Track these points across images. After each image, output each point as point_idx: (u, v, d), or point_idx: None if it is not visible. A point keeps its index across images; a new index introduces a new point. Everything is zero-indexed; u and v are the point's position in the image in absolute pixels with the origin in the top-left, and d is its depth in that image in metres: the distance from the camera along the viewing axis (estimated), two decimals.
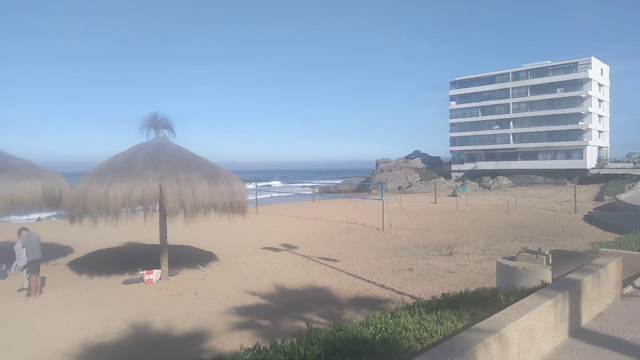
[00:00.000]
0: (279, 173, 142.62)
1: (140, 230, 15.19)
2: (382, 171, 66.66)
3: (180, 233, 14.99)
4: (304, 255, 14.57)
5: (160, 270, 11.80)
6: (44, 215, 22.88)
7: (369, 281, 11.05)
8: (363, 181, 65.87)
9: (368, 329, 4.06)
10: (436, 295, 5.44)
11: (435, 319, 4.09)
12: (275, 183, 73.73)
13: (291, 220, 24.68)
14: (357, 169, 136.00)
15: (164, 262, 11.94)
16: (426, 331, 3.75)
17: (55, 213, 17.40)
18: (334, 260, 13.76)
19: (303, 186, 71.57)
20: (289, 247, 16.24)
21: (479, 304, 4.56)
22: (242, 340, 7.31)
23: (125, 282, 11.52)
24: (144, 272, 11.64)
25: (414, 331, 3.76)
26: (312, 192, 45.29)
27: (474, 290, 5.60)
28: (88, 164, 13.85)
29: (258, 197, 30.34)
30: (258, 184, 34.13)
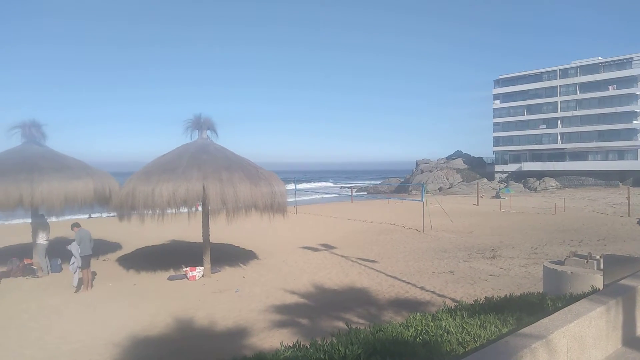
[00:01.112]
0: (318, 174, 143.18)
1: (184, 228, 15.69)
2: (422, 172, 65.60)
3: (222, 232, 15.36)
4: (342, 256, 14.57)
5: (203, 268, 12.13)
6: (94, 213, 24.01)
7: (408, 283, 10.92)
8: (402, 182, 65.09)
9: (408, 330, 4.02)
10: (479, 299, 5.32)
11: (479, 322, 3.99)
12: (315, 184, 74.00)
13: (329, 220, 24.73)
14: (396, 169, 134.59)
15: (207, 259, 12.26)
16: (469, 335, 3.68)
17: (104, 211, 18.24)
18: (373, 261, 13.68)
19: (341, 187, 71.55)
20: (328, 247, 16.29)
21: (525, 309, 4.42)
22: (282, 338, 7.38)
23: (170, 278, 11.90)
24: (188, 268, 11.99)
25: (456, 334, 3.69)
26: (350, 193, 45.20)
27: (519, 294, 5.43)
28: (136, 164, 14.44)
29: (297, 197, 30.61)
30: (297, 185, 34.42)
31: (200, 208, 12.66)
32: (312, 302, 9.60)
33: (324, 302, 9.56)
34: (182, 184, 11.14)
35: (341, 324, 7.83)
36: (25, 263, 12.58)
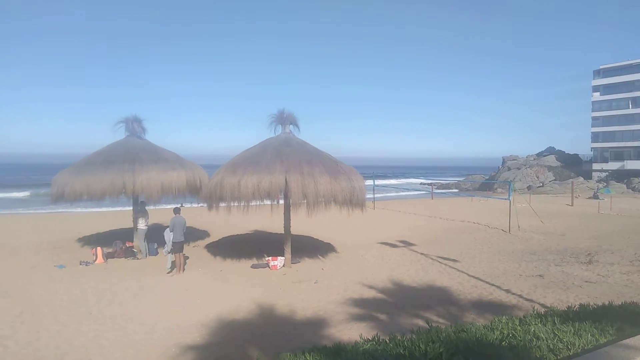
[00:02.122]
0: (397, 169, 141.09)
1: (266, 219, 16.31)
2: (509, 169, 61.98)
3: (302, 224, 15.74)
4: (421, 253, 14.28)
5: (284, 258, 12.55)
6: (186, 202, 25.81)
7: (492, 285, 10.44)
8: (487, 179, 62.03)
9: (493, 333, 3.87)
10: (572, 306, 4.96)
11: (572, 330, 3.74)
12: (393, 181, 73.01)
13: (409, 217, 24.31)
14: (480, 166, 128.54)
15: (287, 250, 12.66)
16: (561, 342, 3.46)
17: (195, 200, 19.53)
18: (454, 260, 13.25)
19: (421, 183, 69.88)
20: (407, 243, 16.05)
21: (627, 320, 4.05)
22: (360, 331, 7.44)
23: (253, 266, 12.47)
24: (270, 258, 12.47)
25: (547, 341, 3.49)
26: (431, 189, 44.02)
27: (619, 304, 4.98)
28: (222, 157, 15.26)
29: (376, 192, 30.44)
30: (376, 180, 34.23)
31: (282, 200, 13.08)
32: (390, 297, 9.54)
33: (403, 298, 9.46)
34: (265, 177, 11.58)
35: (420, 322, 7.71)
36: (127, 246, 13.88)
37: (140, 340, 7.28)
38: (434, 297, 9.50)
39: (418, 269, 12.23)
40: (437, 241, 16.75)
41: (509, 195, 21.50)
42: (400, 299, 9.39)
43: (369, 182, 29.91)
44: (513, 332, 3.83)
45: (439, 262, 13.04)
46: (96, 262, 12.84)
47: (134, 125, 14.89)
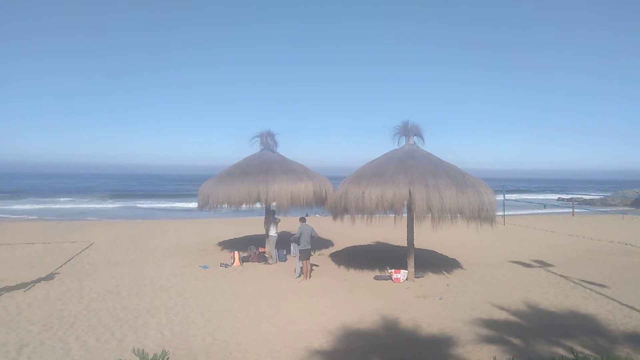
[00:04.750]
0: (530, 182, 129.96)
1: (388, 231, 16.30)
2: None
3: (426, 237, 15.40)
4: (561, 275, 12.95)
5: (407, 271, 12.39)
6: (312, 212, 27.01)
7: None
8: None
9: None
10: None
11: None
12: (525, 196, 67.33)
13: (544, 234, 22.21)
14: (632, 180, 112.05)
15: (411, 263, 12.48)
16: None
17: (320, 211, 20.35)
18: (601, 285, 11.77)
19: (559, 198, 63.35)
20: (542, 264, 14.69)
21: None
22: (491, 354, 7.05)
23: (376, 278, 12.53)
24: (392, 270, 12.42)
25: None
26: (570, 205, 39.62)
27: None
28: (346, 169, 15.69)
29: (506, 207, 28.41)
30: (506, 194, 31.96)
31: (405, 213, 12.96)
32: (525, 321, 8.83)
33: (539, 323, 8.69)
34: (389, 188, 11.60)
35: (560, 350, 7.04)
36: (260, 251, 14.99)
37: (273, 341, 7.80)
38: (577, 325, 8.55)
39: (557, 292, 11.11)
40: (580, 263, 15.02)
41: None
42: (536, 324, 8.64)
43: (499, 196, 28.10)
44: None
45: (583, 286, 11.70)
46: (234, 264, 14.10)
47: (267, 139, 16.15)
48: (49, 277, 12.34)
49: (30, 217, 32.04)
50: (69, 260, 14.71)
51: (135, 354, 4.19)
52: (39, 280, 11.95)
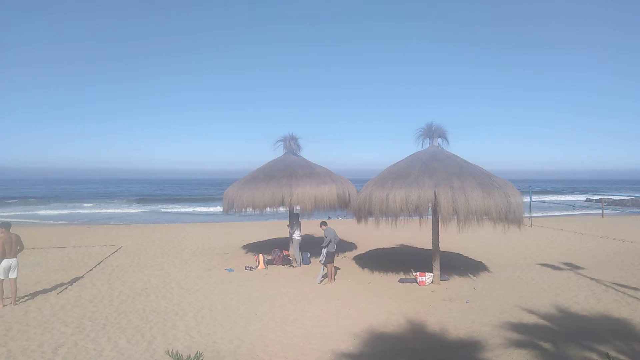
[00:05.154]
0: (555, 183, 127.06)
1: (412, 234, 16.19)
2: None
3: (451, 240, 15.23)
4: (592, 278, 12.62)
5: (432, 274, 12.27)
6: (334, 215, 27.03)
7: None
8: None
9: None
10: None
11: None
12: (551, 197, 65.83)
13: (573, 236, 21.67)
14: None
15: (436, 266, 12.35)
16: None
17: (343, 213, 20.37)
18: (635, 288, 11.42)
19: (587, 199, 61.70)
20: (572, 266, 14.34)
21: None
22: (521, 359, 6.94)
23: (401, 281, 12.45)
24: (417, 273, 12.32)
25: None
26: (600, 206, 38.54)
27: None
28: (369, 172, 15.66)
29: (533, 208, 27.85)
30: (533, 195, 31.32)
31: (430, 215, 12.84)
32: (555, 325, 8.64)
33: (570, 327, 8.49)
34: (414, 191, 11.53)
35: (594, 356, 6.88)
36: (284, 254, 15.08)
37: (299, 343, 7.84)
38: (611, 330, 8.31)
39: (588, 295, 10.83)
40: (611, 265, 14.61)
41: None
42: (567, 328, 8.44)
43: (525, 198, 27.56)
44: None
45: (615, 289, 11.37)
46: (258, 267, 14.22)
47: (291, 143, 16.26)
48: (81, 279, 12.69)
49: (59, 222, 32.98)
50: (99, 263, 15.09)
51: (169, 355, 4.28)
52: (71, 282, 12.30)
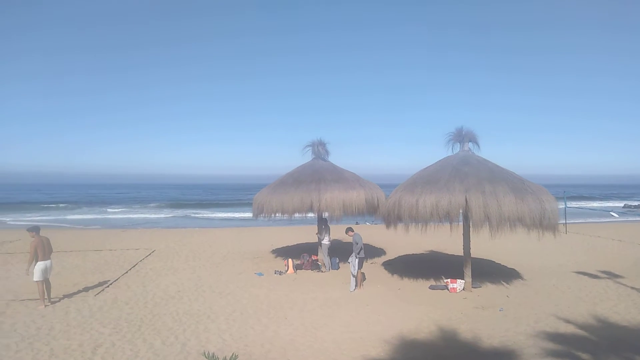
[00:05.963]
0: (591, 189, 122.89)
1: (442, 240, 15.97)
2: None
3: (483, 246, 14.93)
4: (632, 287, 12.14)
5: (463, 281, 12.07)
6: (362, 221, 26.97)
7: None
8: None
9: None
10: None
11: None
12: (586, 203, 63.69)
13: (611, 243, 20.90)
14: None
15: (467, 273, 12.14)
16: None
17: (372, 219, 20.26)
18: None
19: (625, 205, 59.38)
20: (611, 275, 13.83)
21: None
22: None
23: (431, 287, 12.28)
24: (448, 280, 12.13)
25: None
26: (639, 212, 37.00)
27: None
28: (398, 177, 15.56)
29: (568, 214, 27.01)
30: (567, 202, 30.36)
31: (461, 221, 12.64)
32: (594, 336, 8.35)
33: (610, 338, 8.19)
34: (444, 196, 11.37)
35: None
36: (313, 259, 15.12)
37: (329, 348, 7.84)
38: None
39: (629, 305, 10.43)
40: None
41: None
42: (607, 339, 8.15)
43: (560, 204, 26.76)
44: None
45: None
46: (287, 272, 14.31)
47: (319, 148, 16.33)
48: (116, 282, 13.08)
49: (93, 227, 34.05)
50: (134, 266, 15.51)
51: (205, 357, 4.37)
52: (107, 284, 12.70)
